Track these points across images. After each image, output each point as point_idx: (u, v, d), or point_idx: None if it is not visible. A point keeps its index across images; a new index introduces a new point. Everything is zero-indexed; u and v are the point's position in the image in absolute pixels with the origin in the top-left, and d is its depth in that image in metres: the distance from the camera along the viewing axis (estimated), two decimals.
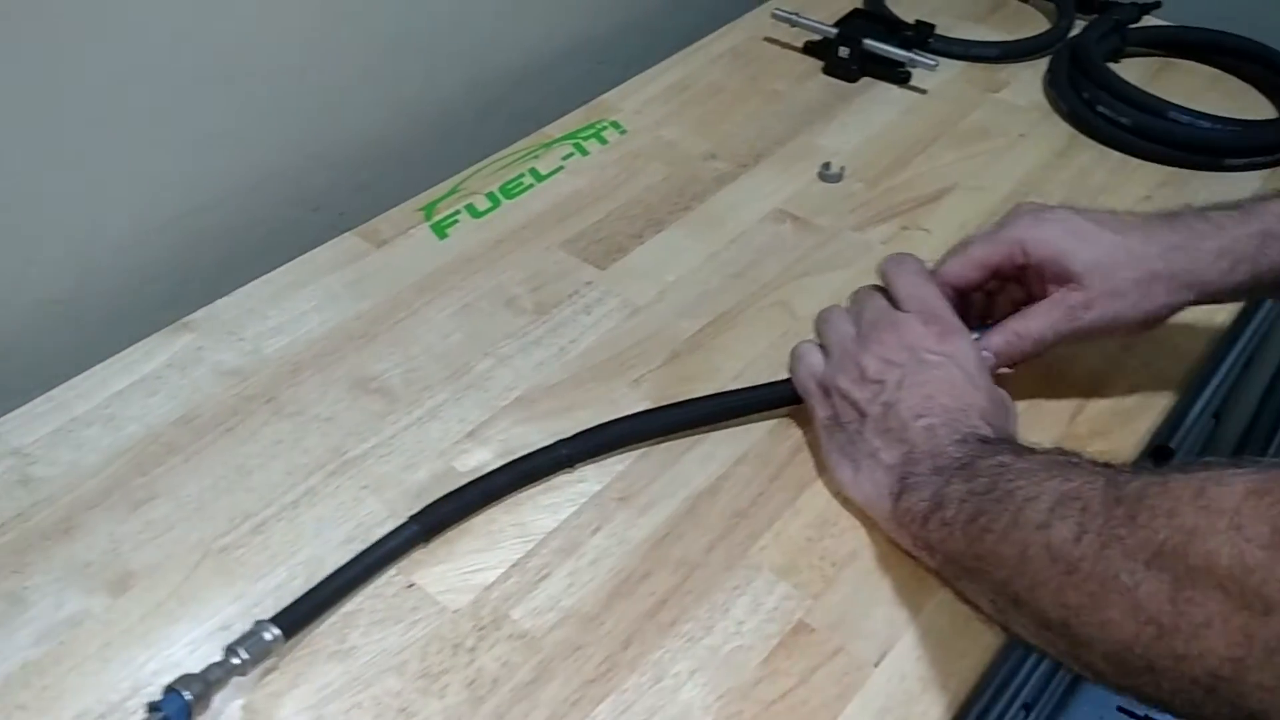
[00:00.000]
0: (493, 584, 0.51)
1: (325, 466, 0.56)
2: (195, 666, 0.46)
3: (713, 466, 0.57)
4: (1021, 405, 0.60)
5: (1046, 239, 0.55)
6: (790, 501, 0.55)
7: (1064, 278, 0.54)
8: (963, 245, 0.58)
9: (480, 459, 0.57)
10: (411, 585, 0.51)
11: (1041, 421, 0.59)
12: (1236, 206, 0.55)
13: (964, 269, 0.57)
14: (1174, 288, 0.54)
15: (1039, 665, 0.75)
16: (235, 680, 0.46)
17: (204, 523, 0.54)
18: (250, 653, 0.46)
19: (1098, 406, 0.60)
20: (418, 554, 0.52)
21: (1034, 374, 0.61)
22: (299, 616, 0.48)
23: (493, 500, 0.54)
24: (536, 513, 0.54)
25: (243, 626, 0.48)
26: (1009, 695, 0.67)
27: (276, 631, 0.46)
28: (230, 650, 0.46)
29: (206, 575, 0.51)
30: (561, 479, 0.56)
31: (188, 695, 0.44)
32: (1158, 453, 0.72)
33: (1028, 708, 0.77)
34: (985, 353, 0.55)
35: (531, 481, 0.55)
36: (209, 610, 0.50)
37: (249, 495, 0.55)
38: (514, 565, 0.52)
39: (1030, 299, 0.56)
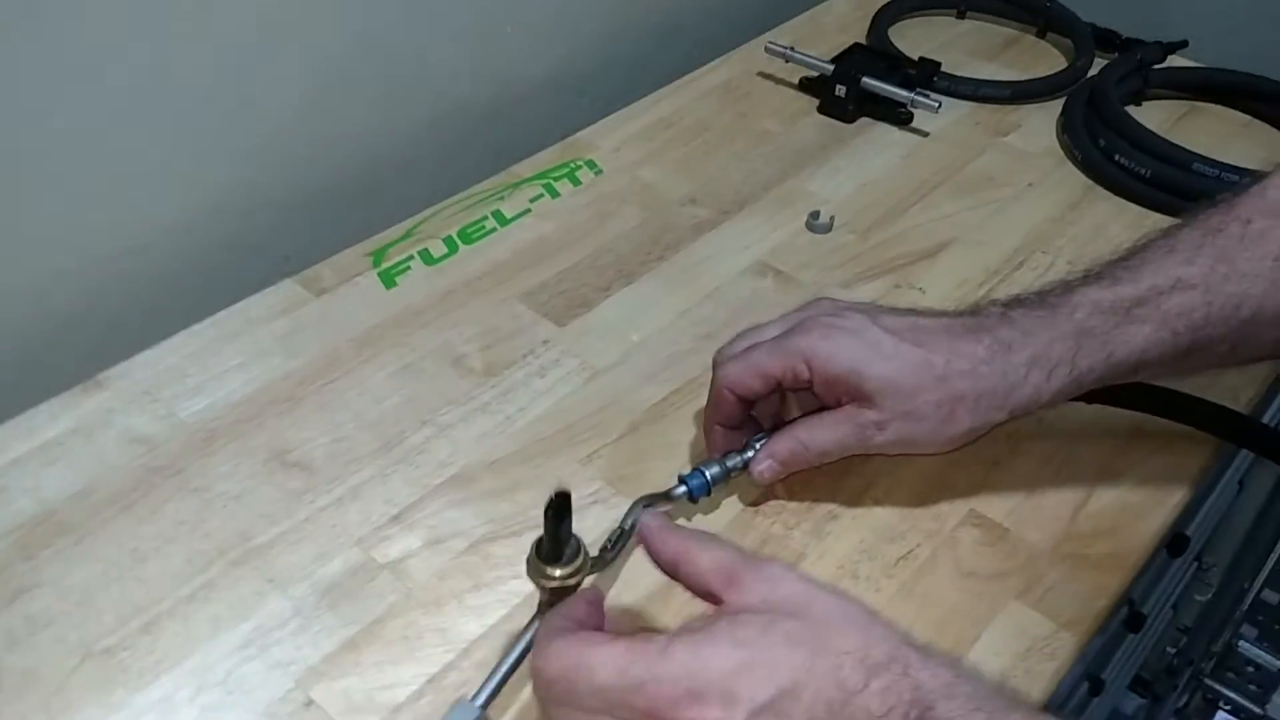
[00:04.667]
0: (402, 705, 0.44)
1: (227, 554, 0.50)
2: None
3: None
4: (1016, 499, 0.53)
5: (834, 355, 0.48)
6: None
7: (855, 395, 0.48)
8: (751, 345, 0.50)
9: (405, 547, 0.51)
10: (310, 703, 0.44)
11: (1039, 518, 0.52)
12: (1045, 301, 0.49)
13: (744, 375, 0.50)
14: (981, 409, 0.48)
15: None
16: None
17: (88, 619, 0.48)
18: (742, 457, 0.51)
19: (1104, 500, 0.54)
20: (321, 665, 0.46)
21: (1032, 461, 0.55)
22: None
23: None
24: (462, 615, 0.48)
25: None
26: None
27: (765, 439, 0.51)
28: (727, 455, 0.51)
29: (83, 682, 0.45)
30: (492, 575, 0.49)
31: (709, 474, 0.50)
32: (1174, 542, 0.66)
33: None
34: (767, 461, 0.50)
35: None
36: None
37: (140, 587, 0.49)
38: (430, 681, 0.45)
39: (824, 405, 0.50)
